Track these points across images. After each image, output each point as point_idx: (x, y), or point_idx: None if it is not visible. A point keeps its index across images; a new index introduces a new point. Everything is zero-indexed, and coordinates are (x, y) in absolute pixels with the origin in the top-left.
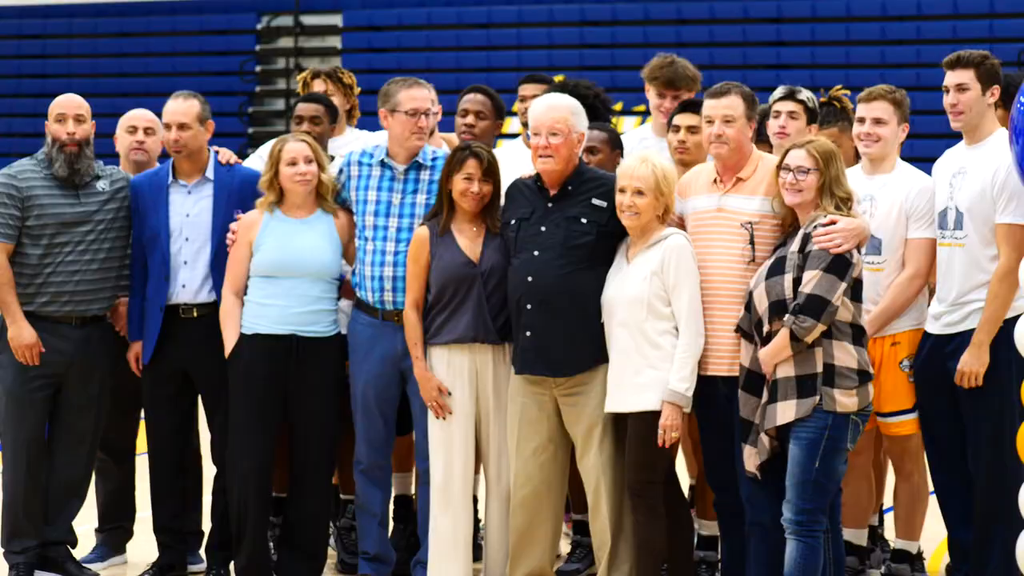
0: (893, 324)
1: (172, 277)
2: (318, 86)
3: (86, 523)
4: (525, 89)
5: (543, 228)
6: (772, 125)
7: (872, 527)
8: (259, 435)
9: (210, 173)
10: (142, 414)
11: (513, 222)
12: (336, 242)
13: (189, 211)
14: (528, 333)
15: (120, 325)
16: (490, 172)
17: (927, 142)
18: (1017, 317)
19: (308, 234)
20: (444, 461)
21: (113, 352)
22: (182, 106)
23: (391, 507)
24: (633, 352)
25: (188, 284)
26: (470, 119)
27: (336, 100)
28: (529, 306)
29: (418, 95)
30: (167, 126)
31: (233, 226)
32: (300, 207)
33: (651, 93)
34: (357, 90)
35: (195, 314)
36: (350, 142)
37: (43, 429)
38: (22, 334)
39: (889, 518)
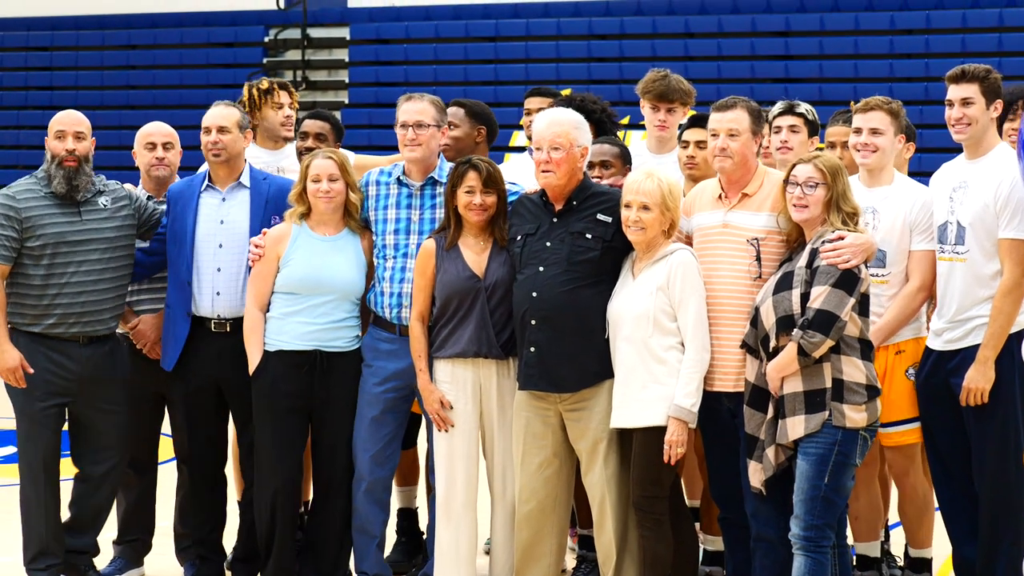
0: (897, 333)
1: (200, 283)
2: (284, 98)
3: (105, 534)
4: (531, 103)
5: (548, 243)
6: (774, 140)
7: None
8: (285, 453)
9: (245, 180)
10: (162, 427)
11: (519, 238)
12: (363, 263)
13: (223, 218)
14: (532, 349)
15: (141, 343)
16: (491, 182)
17: (936, 156)
18: (1020, 332)
19: (337, 255)
20: (447, 474)
21: (127, 364)
22: (224, 111)
23: (390, 519)
24: (638, 367)
25: (224, 292)
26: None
27: (294, 114)
28: (533, 321)
29: (408, 108)
30: (207, 130)
31: (256, 240)
32: (326, 223)
33: (645, 108)
34: (295, 106)
35: (228, 328)
36: (291, 154)
37: (58, 446)
38: (4, 358)
39: (895, 534)
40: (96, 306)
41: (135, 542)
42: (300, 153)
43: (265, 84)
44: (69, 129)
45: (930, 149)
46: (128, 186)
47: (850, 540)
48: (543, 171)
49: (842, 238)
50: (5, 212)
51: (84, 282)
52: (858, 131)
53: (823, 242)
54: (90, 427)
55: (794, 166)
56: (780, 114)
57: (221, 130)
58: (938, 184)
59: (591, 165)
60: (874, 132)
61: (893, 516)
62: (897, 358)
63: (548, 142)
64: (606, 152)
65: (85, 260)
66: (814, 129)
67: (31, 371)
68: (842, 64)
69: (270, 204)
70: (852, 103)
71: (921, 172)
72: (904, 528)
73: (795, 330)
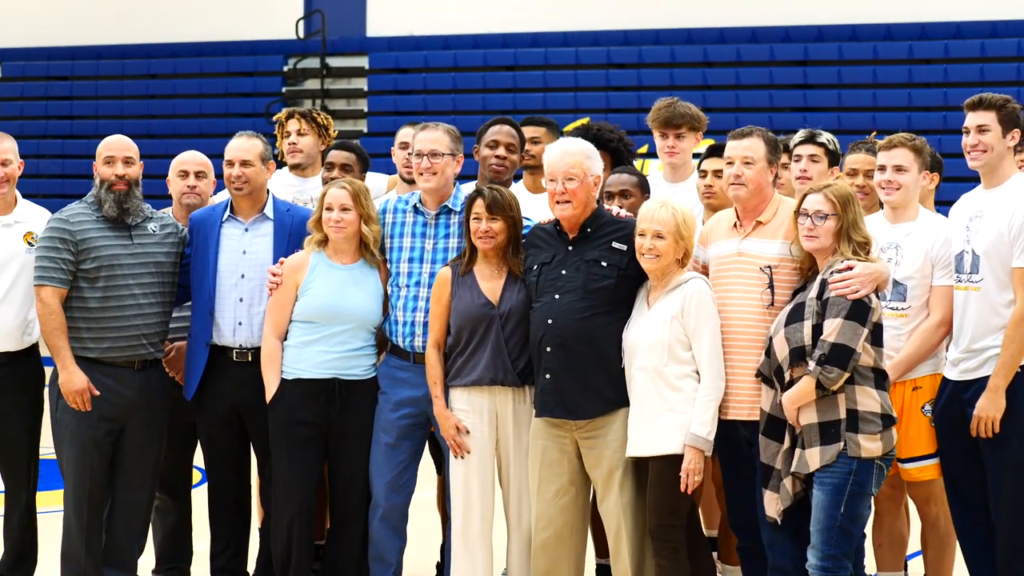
0: (915, 369)
1: (222, 313)
2: (292, 126)
3: (143, 564)
4: (523, 132)
5: (564, 271)
6: (793, 169)
7: None
8: (301, 480)
9: (269, 211)
10: (195, 455)
11: (535, 267)
12: (380, 292)
13: (246, 248)
14: (547, 376)
15: (174, 371)
16: (496, 209)
17: (954, 185)
18: None
19: (354, 284)
20: (463, 502)
21: (167, 394)
22: (246, 144)
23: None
24: (653, 395)
25: (246, 323)
26: (502, 151)
27: (309, 140)
28: (548, 348)
29: (423, 137)
30: (230, 163)
31: (274, 269)
32: (342, 252)
33: (656, 136)
34: (333, 132)
35: (249, 358)
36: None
37: (106, 474)
38: (72, 380)
39: (915, 564)
40: (149, 329)
41: (172, 570)
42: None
43: (284, 114)
44: (118, 154)
45: (948, 179)
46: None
47: (871, 569)
48: (559, 202)
49: (851, 268)
50: (60, 236)
51: (140, 304)
52: (882, 168)
53: (832, 272)
54: (131, 455)
55: (805, 196)
56: (801, 143)
57: (244, 163)
58: (956, 214)
59: (611, 195)
60: (898, 169)
61: (912, 546)
62: (914, 394)
63: (563, 173)
64: (626, 182)
65: (138, 283)
66: (834, 159)
67: (97, 393)
68: (861, 93)
69: (293, 236)
70: (873, 132)
71: (940, 201)
72: (924, 560)
73: (811, 364)
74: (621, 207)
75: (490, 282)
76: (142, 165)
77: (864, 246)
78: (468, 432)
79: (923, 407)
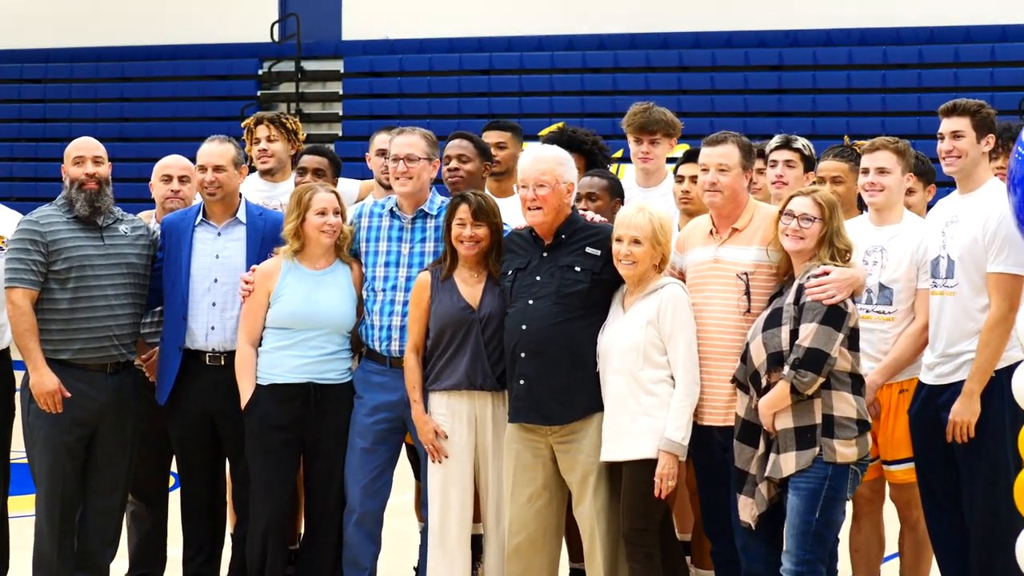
0: (901, 371)
1: (195, 317)
2: (262, 132)
3: (115, 569)
4: (488, 137)
5: (538, 277)
6: (769, 174)
7: None
8: (277, 486)
9: (241, 216)
10: (172, 460)
11: (510, 272)
12: (353, 295)
13: (219, 252)
14: (522, 381)
15: (153, 375)
16: (481, 215)
17: None
18: (1009, 367)
19: (327, 288)
20: (441, 506)
21: (140, 397)
22: (218, 148)
23: None
24: (628, 400)
25: (218, 327)
26: (453, 164)
27: (279, 146)
28: (523, 354)
29: (399, 141)
30: (202, 168)
31: (246, 276)
32: (320, 257)
33: (630, 141)
34: (303, 136)
35: (222, 362)
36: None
37: (78, 477)
38: (43, 381)
39: (887, 568)
40: (121, 330)
41: (146, 575)
42: None
43: (252, 120)
44: (87, 154)
45: None
46: (144, 214)
47: (845, 573)
48: (530, 209)
49: (827, 273)
50: (31, 237)
51: (111, 305)
52: (865, 171)
53: (809, 278)
54: (103, 459)
55: (791, 198)
56: (777, 148)
57: (217, 168)
58: (932, 219)
59: (578, 197)
60: (881, 171)
61: (889, 549)
62: (901, 396)
63: (533, 180)
64: (594, 184)
65: (110, 284)
66: (810, 164)
67: (68, 395)
68: (835, 98)
69: (267, 240)
70: (846, 137)
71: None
72: (901, 563)
73: (786, 368)
74: (587, 209)
75: (470, 286)
76: (111, 166)
77: (844, 253)
78: (446, 437)
79: (909, 410)
